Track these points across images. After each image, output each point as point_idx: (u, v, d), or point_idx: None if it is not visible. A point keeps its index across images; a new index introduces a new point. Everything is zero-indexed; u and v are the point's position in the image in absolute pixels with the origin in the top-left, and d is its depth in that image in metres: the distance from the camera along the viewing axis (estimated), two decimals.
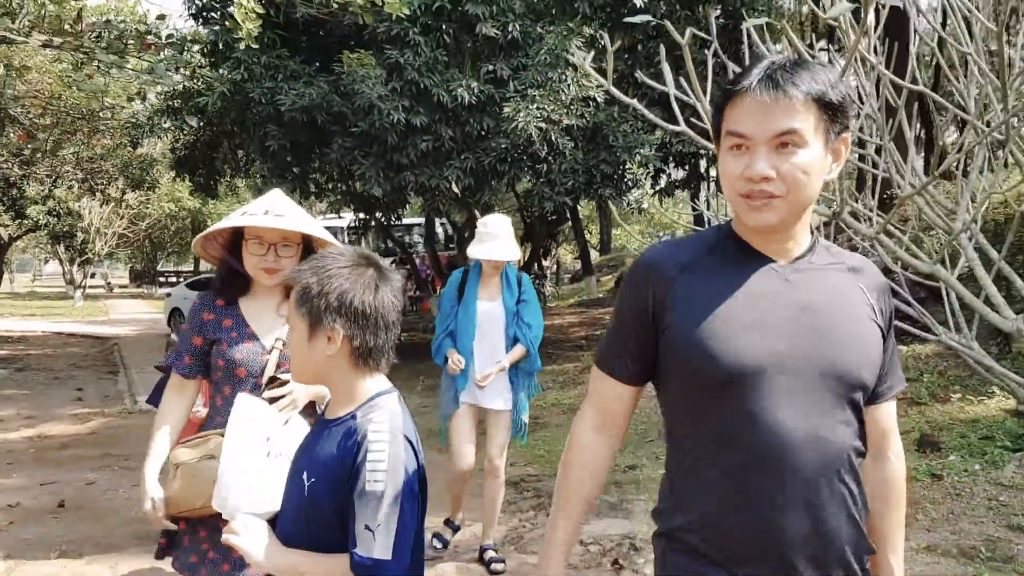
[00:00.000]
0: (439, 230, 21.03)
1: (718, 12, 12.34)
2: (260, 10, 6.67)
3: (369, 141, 10.52)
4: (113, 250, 36.79)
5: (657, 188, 13.64)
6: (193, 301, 2.64)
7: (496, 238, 4.06)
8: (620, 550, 4.44)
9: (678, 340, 1.47)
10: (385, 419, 1.62)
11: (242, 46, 6.65)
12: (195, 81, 13.50)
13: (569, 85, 9.93)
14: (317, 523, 1.63)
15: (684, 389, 1.50)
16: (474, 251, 4.09)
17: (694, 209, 15.54)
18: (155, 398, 4.10)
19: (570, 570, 4.27)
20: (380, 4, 5.93)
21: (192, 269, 43.31)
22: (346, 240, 18.63)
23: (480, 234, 4.11)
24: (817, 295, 1.48)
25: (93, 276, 34.74)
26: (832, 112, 1.43)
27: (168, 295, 20.07)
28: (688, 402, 1.50)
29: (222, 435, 2.23)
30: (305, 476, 1.66)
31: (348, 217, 18.32)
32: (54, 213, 17.37)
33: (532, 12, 10.91)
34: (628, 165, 10.88)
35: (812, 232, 1.55)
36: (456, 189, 11.46)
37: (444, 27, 10.33)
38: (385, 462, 1.57)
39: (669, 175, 13.43)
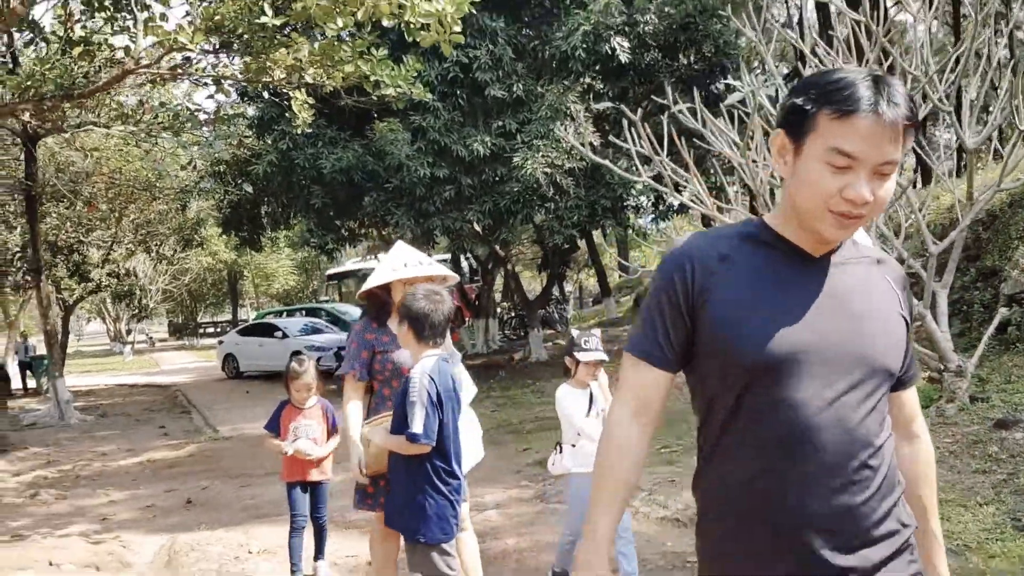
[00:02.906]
0: (464, 265, 22.71)
1: (695, 56, 13.93)
2: (312, 101, 8.34)
3: (400, 194, 12.19)
4: (157, 305, 38.84)
5: (656, 213, 15.17)
6: (353, 326, 3.81)
7: None
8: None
9: (716, 327, 1.49)
10: (421, 367, 3.10)
11: (298, 130, 8.29)
12: (241, 150, 15.31)
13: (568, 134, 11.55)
14: (400, 421, 3.09)
15: (720, 374, 1.51)
16: None
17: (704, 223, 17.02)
18: (271, 425, 5.33)
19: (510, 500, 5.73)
20: (410, 93, 7.56)
21: (230, 319, 45.15)
22: None
23: None
24: (848, 285, 1.51)
25: (130, 332, 36.78)
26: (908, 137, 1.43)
27: (220, 343, 21.70)
28: (723, 386, 1.51)
29: None
30: (398, 398, 3.20)
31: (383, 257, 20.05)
32: (113, 274, 19.16)
33: (532, 72, 12.59)
34: (625, 198, 12.44)
35: None
36: (478, 228, 13.11)
37: (458, 92, 12.06)
38: (416, 387, 3.03)
39: (666, 201, 14.94)
